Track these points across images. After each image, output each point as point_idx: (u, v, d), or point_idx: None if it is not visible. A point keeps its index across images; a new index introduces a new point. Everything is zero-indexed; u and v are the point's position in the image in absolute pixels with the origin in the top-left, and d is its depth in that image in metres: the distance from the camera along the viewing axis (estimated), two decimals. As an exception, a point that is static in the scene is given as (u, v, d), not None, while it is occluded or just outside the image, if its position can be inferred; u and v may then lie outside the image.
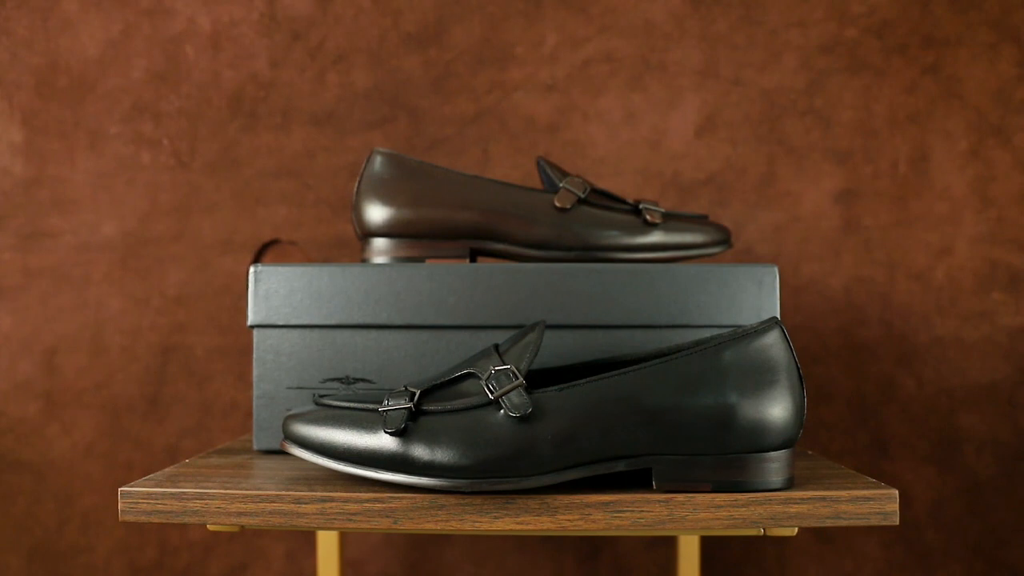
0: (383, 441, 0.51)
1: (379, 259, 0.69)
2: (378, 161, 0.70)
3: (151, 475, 0.56)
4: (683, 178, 0.94)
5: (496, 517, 0.51)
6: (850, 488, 0.52)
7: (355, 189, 0.70)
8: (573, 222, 0.70)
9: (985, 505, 0.93)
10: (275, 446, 0.65)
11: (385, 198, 0.69)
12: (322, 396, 0.56)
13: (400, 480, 0.51)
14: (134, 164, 0.95)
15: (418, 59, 0.95)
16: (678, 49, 0.94)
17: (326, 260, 0.94)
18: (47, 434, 0.94)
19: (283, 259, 0.95)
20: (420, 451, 0.50)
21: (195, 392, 0.94)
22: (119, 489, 0.52)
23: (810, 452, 0.66)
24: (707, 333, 0.63)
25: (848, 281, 0.93)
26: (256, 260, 0.94)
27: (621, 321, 0.64)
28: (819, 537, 0.94)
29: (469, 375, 0.53)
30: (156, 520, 0.52)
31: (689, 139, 0.94)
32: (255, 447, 0.66)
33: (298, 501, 0.51)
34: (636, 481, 0.53)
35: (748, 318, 0.64)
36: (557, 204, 0.70)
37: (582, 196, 0.70)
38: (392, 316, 0.65)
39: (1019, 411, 0.92)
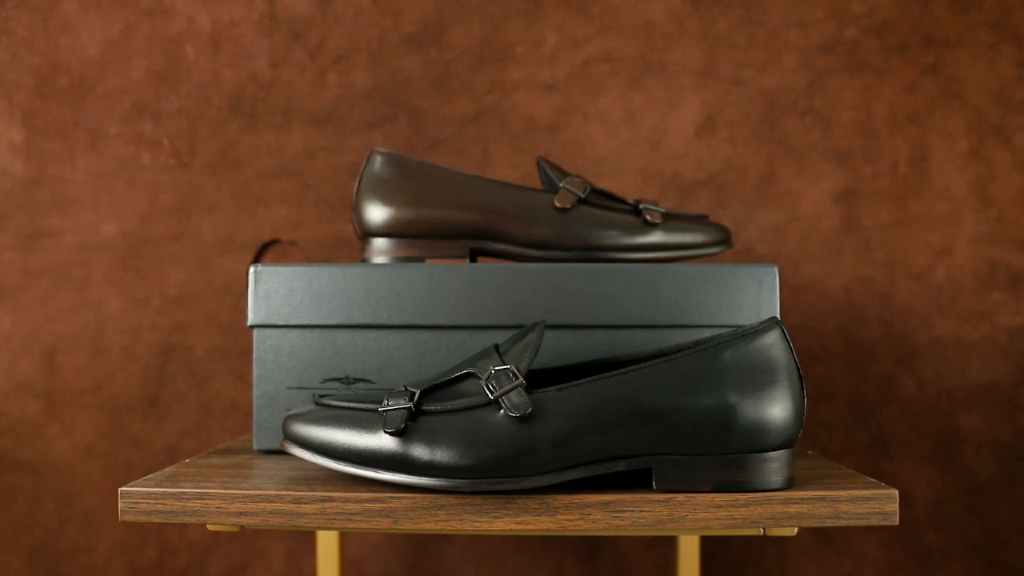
0: (383, 441, 0.51)
1: (379, 259, 0.69)
2: (378, 161, 0.70)
3: (151, 475, 0.56)
4: (683, 178, 0.94)
5: (496, 517, 0.51)
6: (850, 488, 0.52)
7: (355, 189, 0.70)
8: (573, 222, 0.70)
9: (985, 505, 0.93)
10: (275, 446, 0.65)
11: (385, 198, 0.69)
12: (322, 396, 0.56)
13: (400, 480, 0.51)
14: (134, 164, 0.95)
15: (418, 59, 0.95)
16: (678, 49, 0.94)
17: (326, 260, 0.94)
18: (47, 434, 0.94)
19: (283, 259, 0.95)
20: (420, 451, 0.50)
21: (195, 392, 0.94)
22: (119, 489, 0.52)
23: (810, 452, 0.66)
24: (707, 333, 0.63)
25: (848, 281, 0.93)
26: (256, 260, 0.94)
27: (621, 321, 0.64)
28: (819, 537, 0.94)
29: (469, 375, 0.53)
30: (156, 520, 0.52)
31: (689, 139, 0.94)
32: (255, 447, 0.66)
33: (298, 501, 0.51)
34: (636, 481, 0.53)
35: (748, 318, 0.64)
36: (557, 204, 0.70)
37: (582, 196, 0.70)
38: (392, 316, 0.65)
39: (1019, 411, 0.92)
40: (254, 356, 0.66)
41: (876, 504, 0.51)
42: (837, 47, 0.93)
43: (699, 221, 0.72)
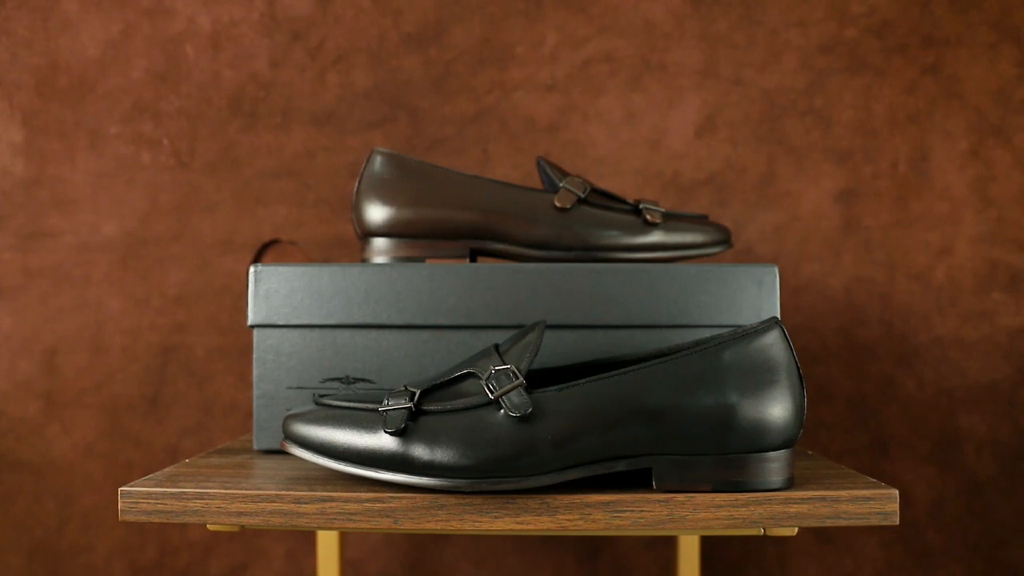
0: (383, 441, 0.51)
1: (379, 259, 0.69)
2: (378, 161, 0.70)
3: (151, 475, 0.56)
4: (683, 178, 0.94)
5: (496, 517, 0.51)
6: (850, 488, 0.52)
7: (355, 189, 0.70)
8: (573, 222, 0.70)
9: (985, 505, 0.93)
10: (275, 446, 0.65)
11: (385, 198, 0.69)
12: (322, 396, 0.56)
13: (400, 480, 0.51)
14: (134, 164, 0.95)
15: (418, 59, 0.95)
16: (678, 49, 0.94)
17: (326, 260, 0.94)
18: (47, 434, 0.94)
19: (283, 259, 0.95)
20: (420, 451, 0.50)
21: (195, 392, 0.94)
22: (119, 489, 0.52)
23: (810, 452, 0.66)
24: (707, 333, 0.63)
25: (848, 281, 0.93)
26: (256, 260, 0.94)
27: (621, 321, 0.64)
28: (819, 537, 0.94)
29: (469, 375, 0.53)
30: (156, 520, 0.52)
31: (689, 139, 0.94)
32: (255, 447, 0.66)
33: (298, 501, 0.51)
34: (636, 481, 0.53)
35: (748, 318, 0.64)
36: (557, 204, 0.70)
37: (582, 196, 0.70)
38: (392, 316, 0.65)
39: (1019, 411, 0.92)
40: (254, 356, 0.66)
41: (876, 504, 0.51)
42: (837, 47, 0.93)
43: (699, 221, 0.72)
